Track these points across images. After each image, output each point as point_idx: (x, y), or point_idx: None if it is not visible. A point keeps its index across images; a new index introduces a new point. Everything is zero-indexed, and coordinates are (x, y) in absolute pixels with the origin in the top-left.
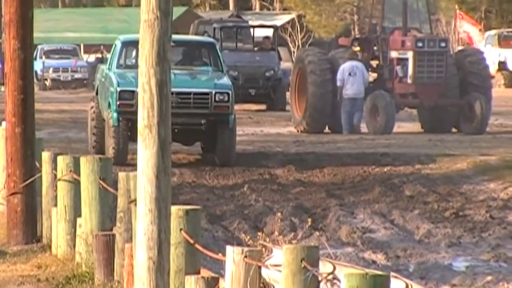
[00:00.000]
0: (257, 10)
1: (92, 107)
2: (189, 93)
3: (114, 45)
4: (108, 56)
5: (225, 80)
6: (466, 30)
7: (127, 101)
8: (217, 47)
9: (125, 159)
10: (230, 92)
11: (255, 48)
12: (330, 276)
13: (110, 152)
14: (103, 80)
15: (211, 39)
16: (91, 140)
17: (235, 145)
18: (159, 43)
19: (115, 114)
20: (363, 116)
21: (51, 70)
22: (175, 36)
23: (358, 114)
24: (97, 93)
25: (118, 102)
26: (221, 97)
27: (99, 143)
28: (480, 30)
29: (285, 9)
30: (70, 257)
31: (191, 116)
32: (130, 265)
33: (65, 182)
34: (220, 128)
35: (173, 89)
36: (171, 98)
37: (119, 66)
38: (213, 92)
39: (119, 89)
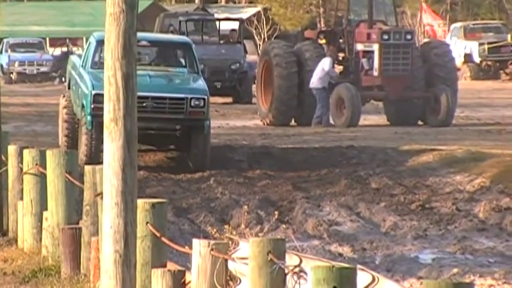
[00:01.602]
0: (223, 3)
1: (65, 104)
2: (165, 98)
3: (88, 43)
4: (74, 49)
5: (201, 84)
6: (429, 23)
7: (101, 105)
8: (193, 47)
9: (97, 162)
10: (206, 97)
11: (221, 41)
12: (297, 269)
13: (83, 154)
14: (76, 77)
15: (187, 39)
16: (62, 135)
17: (210, 149)
18: (124, 36)
19: (89, 118)
20: (325, 110)
21: (16, 64)
22: (150, 35)
23: (317, 107)
24: (69, 87)
25: (92, 106)
26: (197, 102)
27: (70, 137)
28: (440, 25)
29: (250, 2)
30: (36, 250)
31: (166, 121)
32: (97, 258)
33: (31, 176)
34: (195, 134)
35: (149, 94)
36: (147, 102)
37: (93, 65)
38: (189, 97)
39: (93, 92)
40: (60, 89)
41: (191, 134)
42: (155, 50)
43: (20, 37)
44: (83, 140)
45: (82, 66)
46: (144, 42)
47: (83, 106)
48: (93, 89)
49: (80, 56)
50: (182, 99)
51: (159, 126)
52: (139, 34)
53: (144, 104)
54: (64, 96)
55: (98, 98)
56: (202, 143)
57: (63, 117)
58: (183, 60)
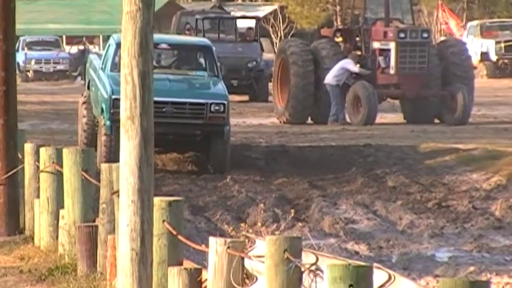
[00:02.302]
0: (239, 1)
1: (84, 104)
2: (185, 103)
3: (107, 45)
4: (91, 47)
5: (221, 89)
6: (446, 21)
7: None
8: (214, 50)
9: None
10: (226, 103)
11: (240, 39)
12: (313, 267)
13: (101, 157)
14: (96, 79)
15: (207, 42)
16: (81, 135)
17: (229, 154)
18: (141, 34)
19: (108, 122)
20: (339, 108)
21: (33, 61)
22: (170, 38)
23: (332, 105)
24: (88, 87)
25: (112, 111)
26: (217, 107)
27: (90, 138)
28: (459, 25)
29: (267, 0)
30: (53, 248)
31: (186, 126)
32: (113, 256)
33: (48, 174)
34: (215, 139)
35: (168, 99)
36: (166, 108)
37: (113, 68)
38: (209, 103)
39: (113, 97)
40: (77, 87)
41: (211, 139)
42: (175, 52)
43: (36, 35)
44: (102, 143)
45: (101, 68)
46: (164, 45)
47: (102, 110)
48: (113, 94)
49: (99, 55)
50: (202, 104)
51: (178, 132)
52: (159, 37)
53: (164, 109)
54: (83, 95)
55: (117, 103)
56: (222, 148)
57: (83, 117)
58: (203, 63)
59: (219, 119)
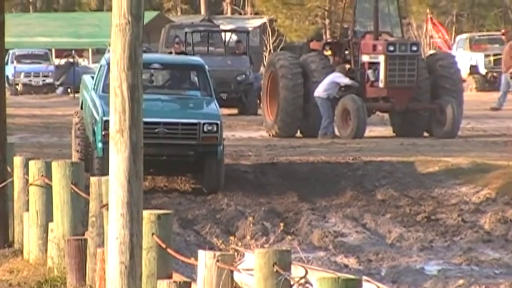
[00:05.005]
0: (228, 14)
1: (78, 124)
2: (177, 124)
3: (99, 65)
4: (80, 60)
5: (214, 108)
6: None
7: None
8: (207, 68)
9: None
10: (219, 122)
11: (236, 51)
12: (302, 281)
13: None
14: (88, 100)
15: (200, 61)
16: (75, 155)
17: (223, 174)
18: (130, 47)
19: (100, 145)
20: (329, 121)
21: (22, 75)
22: (162, 58)
23: (323, 119)
24: (81, 107)
25: (103, 133)
26: (210, 127)
27: (84, 157)
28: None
29: (256, 14)
30: (42, 261)
31: (179, 147)
32: (103, 270)
33: (37, 187)
34: (208, 160)
35: (160, 119)
36: (159, 128)
37: (104, 88)
38: (202, 123)
39: (104, 119)
40: (66, 100)
41: (204, 160)
42: (167, 72)
43: (25, 48)
44: (95, 165)
45: (93, 89)
46: (156, 65)
47: (94, 132)
48: (104, 115)
49: (92, 75)
50: (195, 124)
51: (171, 153)
52: (152, 57)
53: (156, 130)
54: (77, 115)
55: (109, 125)
56: (216, 168)
57: (76, 137)
58: (196, 83)
59: (212, 139)
